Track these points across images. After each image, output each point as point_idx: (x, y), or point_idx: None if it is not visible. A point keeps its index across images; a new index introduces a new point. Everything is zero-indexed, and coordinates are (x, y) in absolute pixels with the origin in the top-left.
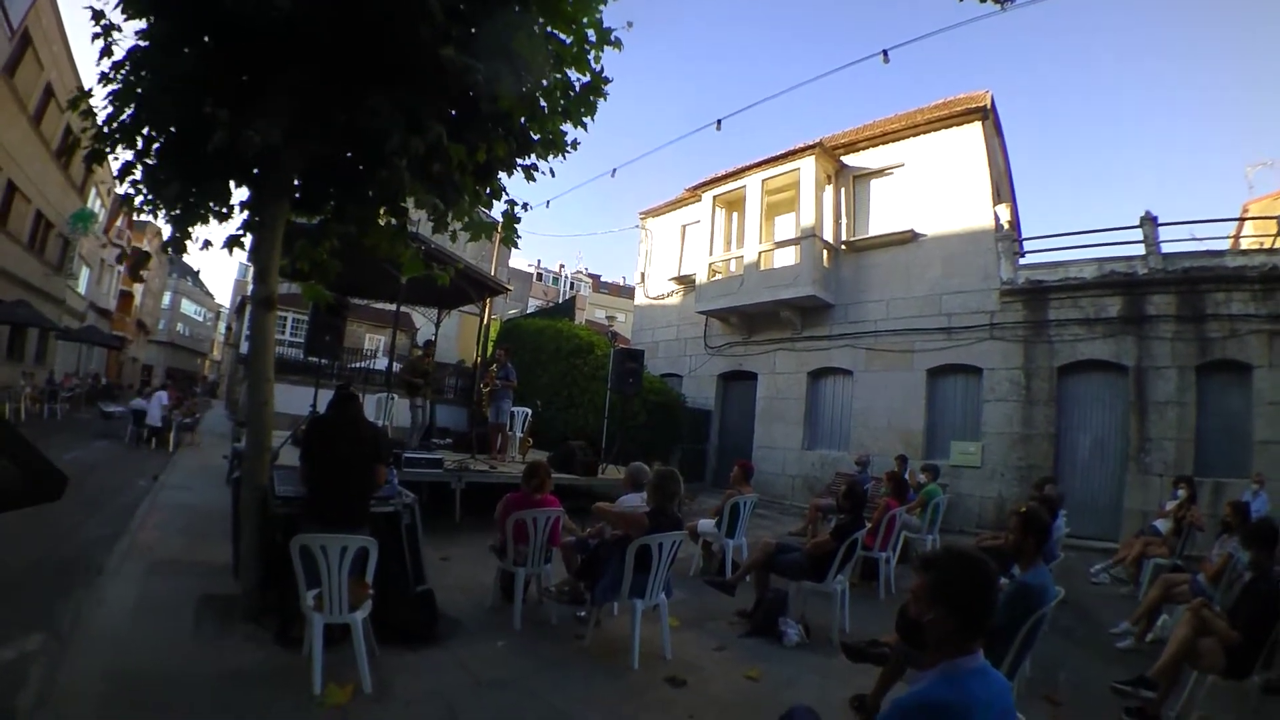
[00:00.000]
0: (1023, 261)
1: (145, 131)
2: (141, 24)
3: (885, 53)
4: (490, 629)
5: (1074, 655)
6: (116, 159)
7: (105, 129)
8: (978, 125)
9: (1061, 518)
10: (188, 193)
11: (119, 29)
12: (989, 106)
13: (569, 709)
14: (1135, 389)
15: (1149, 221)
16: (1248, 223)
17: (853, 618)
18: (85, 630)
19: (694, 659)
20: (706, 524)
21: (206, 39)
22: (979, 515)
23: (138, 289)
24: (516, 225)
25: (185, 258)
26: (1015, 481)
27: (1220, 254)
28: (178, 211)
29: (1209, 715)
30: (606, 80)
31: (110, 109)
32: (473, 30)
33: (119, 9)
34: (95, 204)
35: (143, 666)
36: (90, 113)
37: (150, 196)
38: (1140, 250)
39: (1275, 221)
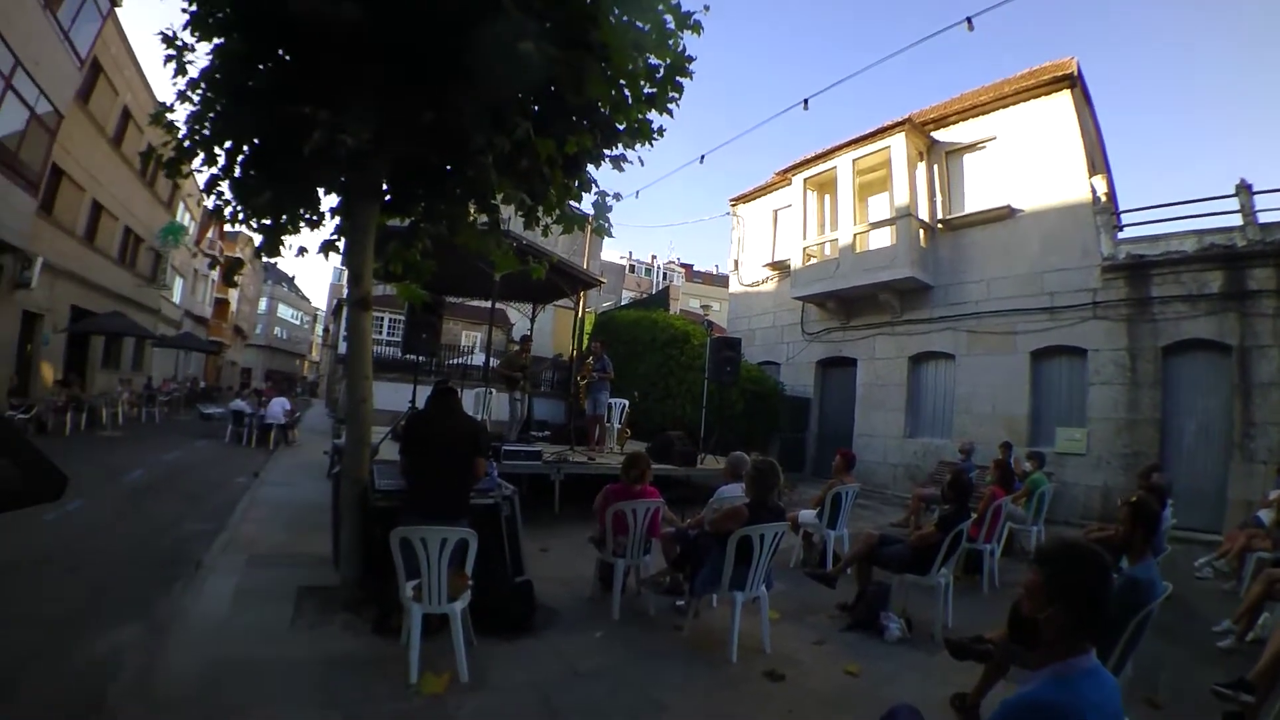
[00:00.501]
0: (1121, 236)
1: (227, 145)
2: (216, 41)
3: (969, 20)
4: (588, 620)
5: (1175, 654)
6: (201, 173)
7: (185, 143)
8: (1066, 94)
9: (1169, 508)
10: (278, 201)
11: (192, 49)
12: (1076, 73)
13: (665, 699)
14: (1239, 370)
15: (1244, 190)
16: None
17: (956, 613)
18: (183, 621)
19: (793, 652)
20: (807, 515)
21: (280, 51)
22: (1084, 505)
23: (233, 295)
24: (608, 214)
25: (280, 264)
26: (1121, 470)
27: None
28: (268, 221)
29: None
30: (690, 59)
31: (187, 126)
32: (548, 24)
33: (189, 30)
34: (184, 217)
35: (240, 655)
36: (172, 126)
37: (239, 208)
38: (1238, 220)
39: None
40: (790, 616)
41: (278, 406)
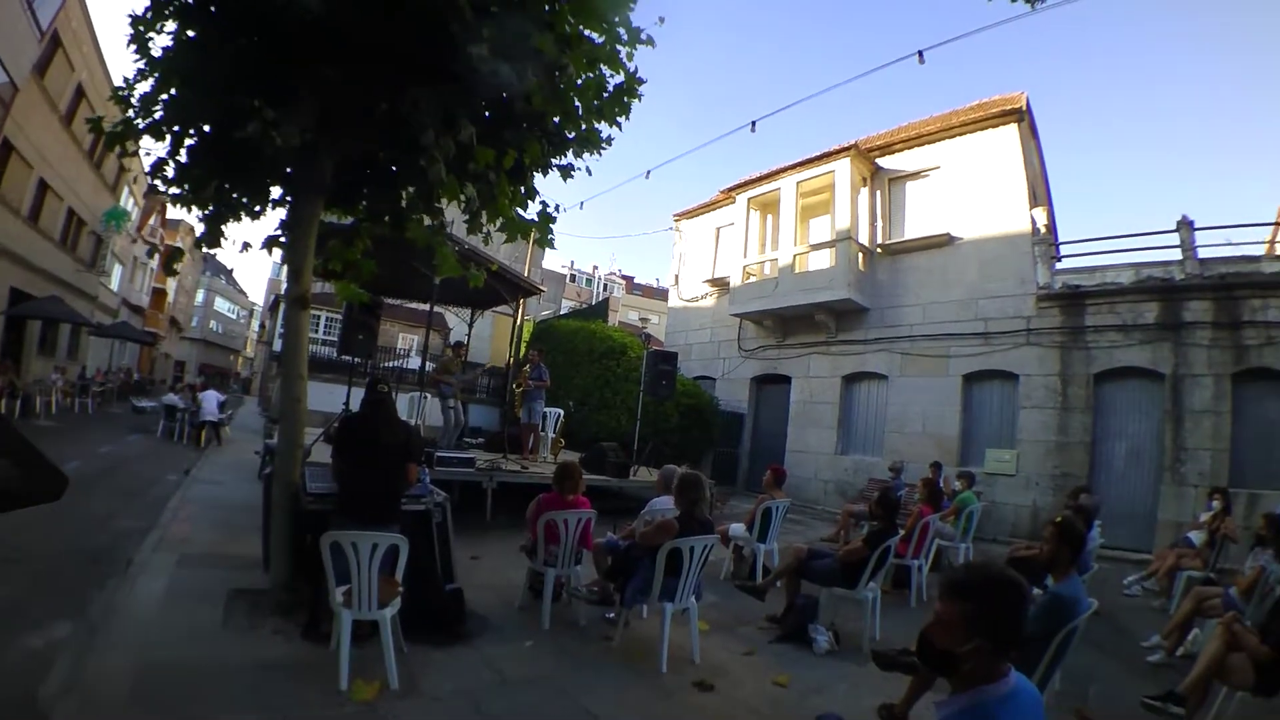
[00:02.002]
0: (1059, 266)
1: (176, 129)
2: (174, 26)
3: (920, 53)
4: (519, 628)
5: (1105, 668)
6: (149, 154)
7: (137, 123)
8: (1013, 127)
9: (1096, 528)
10: (222, 189)
11: (157, 30)
12: (1024, 108)
13: (597, 710)
14: (1171, 397)
15: (1185, 226)
16: None
17: (884, 625)
18: (114, 620)
19: (723, 663)
20: (738, 528)
21: (240, 40)
22: (1013, 524)
23: (171, 286)
24: (552, 226)
25: (219, 256)
26: (1050, 490)
27: (1257, 259)
28: (211, 209)
29: None
30: (640, 81)
31: (139, 106)
32: (503, 29)
33: (148, 14)
34: (128, 202)
35: (171, 657)
36: (127, 101)
37: (182, 192)
38: (1177, 255)
39: None
40: (720, 628)
41: (212, 400)
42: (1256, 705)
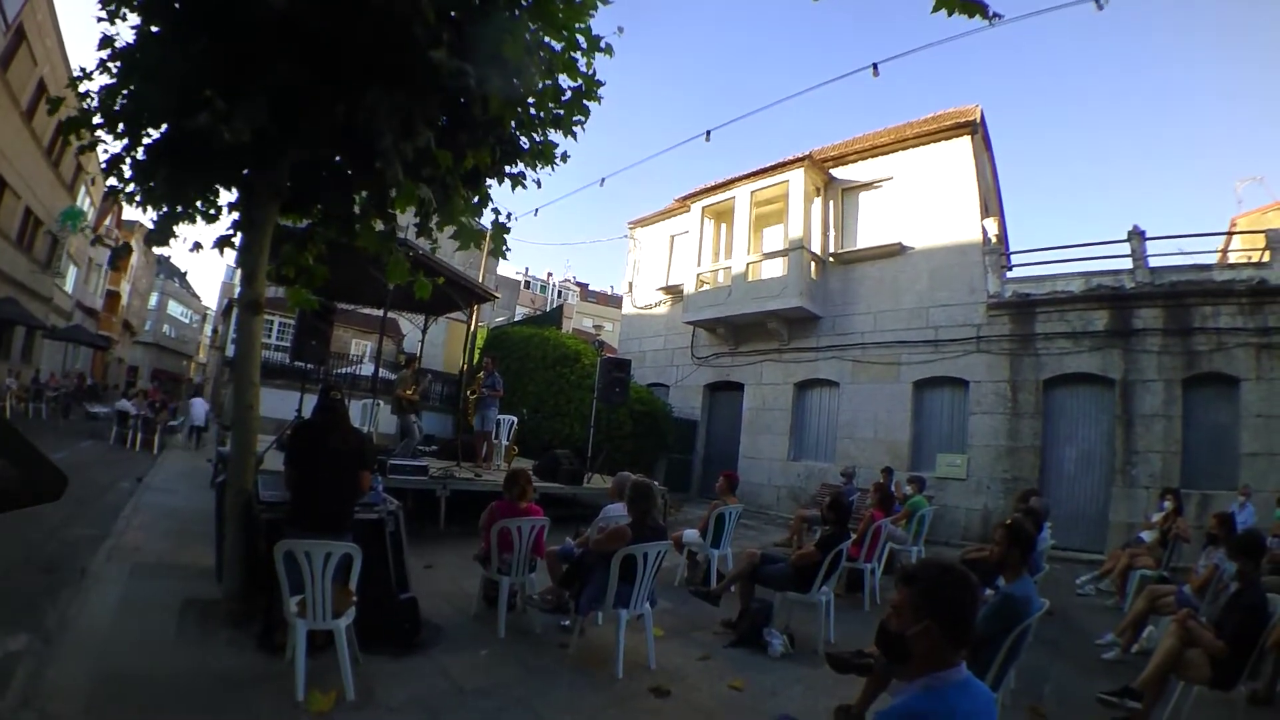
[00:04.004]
0: (1009, 275)
1: (134, 125)
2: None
3: (875, 66)
4: (474, 637)
5: (1059, 667)
6: (106, 151)
7: (95, 117)
8: (966, 140)
9: (1046, 530)
10: (177, 188)
11: (121, 18)
12: (978, 121)
13: (552, 717)
14: (1121, 402)
15: (1136, 236)
16: (1236, 237)
17: (838, 628)
18: (70, 632)
19: (679, 669)
20: (691, 534)
21: (202, 38)
22: (965, 527)
23: (124, 289)
24: (506, 236)
25: (173, 259)
26: (1001, 494)
27: (1208, 268)
28: (164, 210)
29: None
30: (599, 84)
31: (99, 99)
32: (464, 34)
33: (102, 8)
34: (84, 202)
35: (126, 669)
36: (86, 94)
37: (136, 190)
38: (1128, 264)
39: (1264, 236)
40: (676, 634)
41: (200, 407)
42: (1214, 699)
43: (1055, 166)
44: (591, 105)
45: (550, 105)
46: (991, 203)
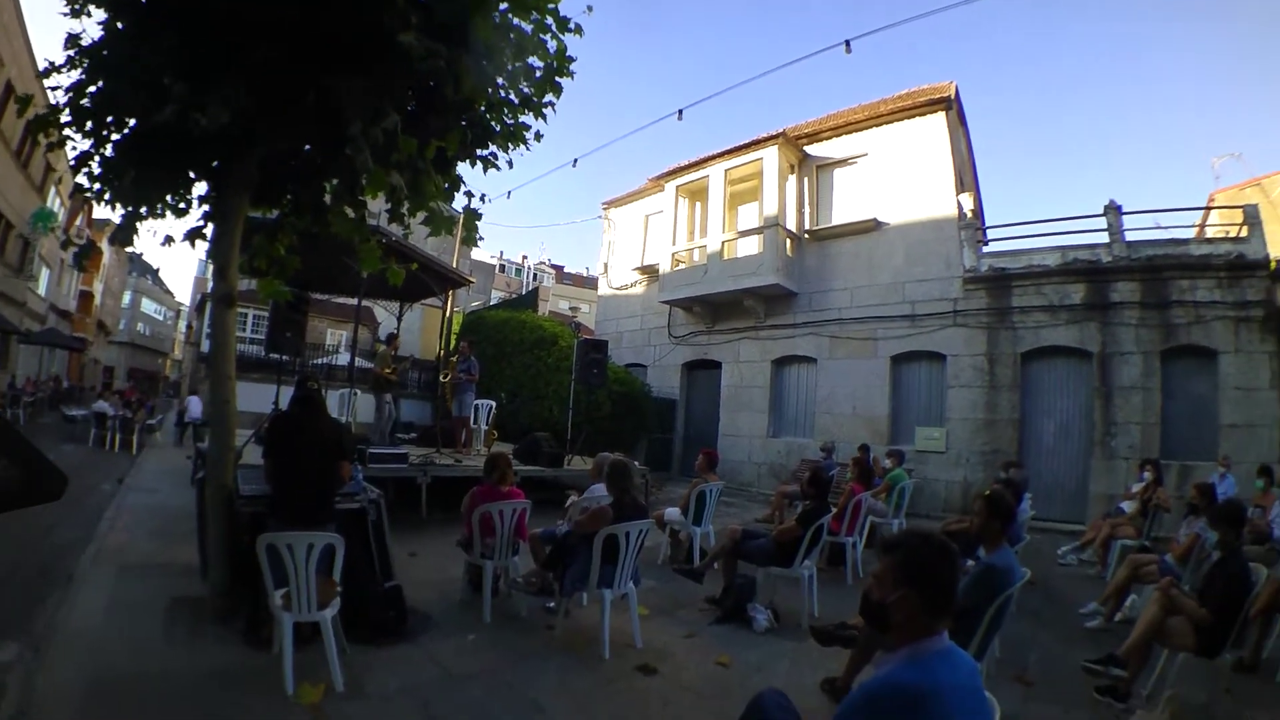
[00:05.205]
0: (986, 250)
1: (103, 121)
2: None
3: (847, 43)
4: (460, 623)
5: (1043, 636)
6: (75, 149)
7: (61, 111)
8: (941, 115)
9: (1026, 500)
10: (146, 184)
11: (88, 14)
12: (953, 97)
13: (541, 699)
14: (1100, 374)
15: (1113, 210)
16: (1213, 213)
17: (821, 602)
18: (59, 637)
19: (665, 647)
20: (673, 512)
21: (170, 34)
22: (945, 499)
23: (98, 288)
24: (477, 223)
25: (145, 256)
26: (980, 466)
27: (1185, 243)
28: (132, 208)
29: (1181, 693)
30: (571, 59)
31: (68, 96)
32: (433, 15)
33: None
34: (55, 203)
35: (117, 672)
36: (55, 89)
37: (105, 188)
38: (1104, 239)
39: (1241, 211)
40: (660, 612)
41: (196, 404)
42: (1200, 666)
43: (1032, 143)
44: (565, 82)
45: (522, 85)
46: (967, 178)
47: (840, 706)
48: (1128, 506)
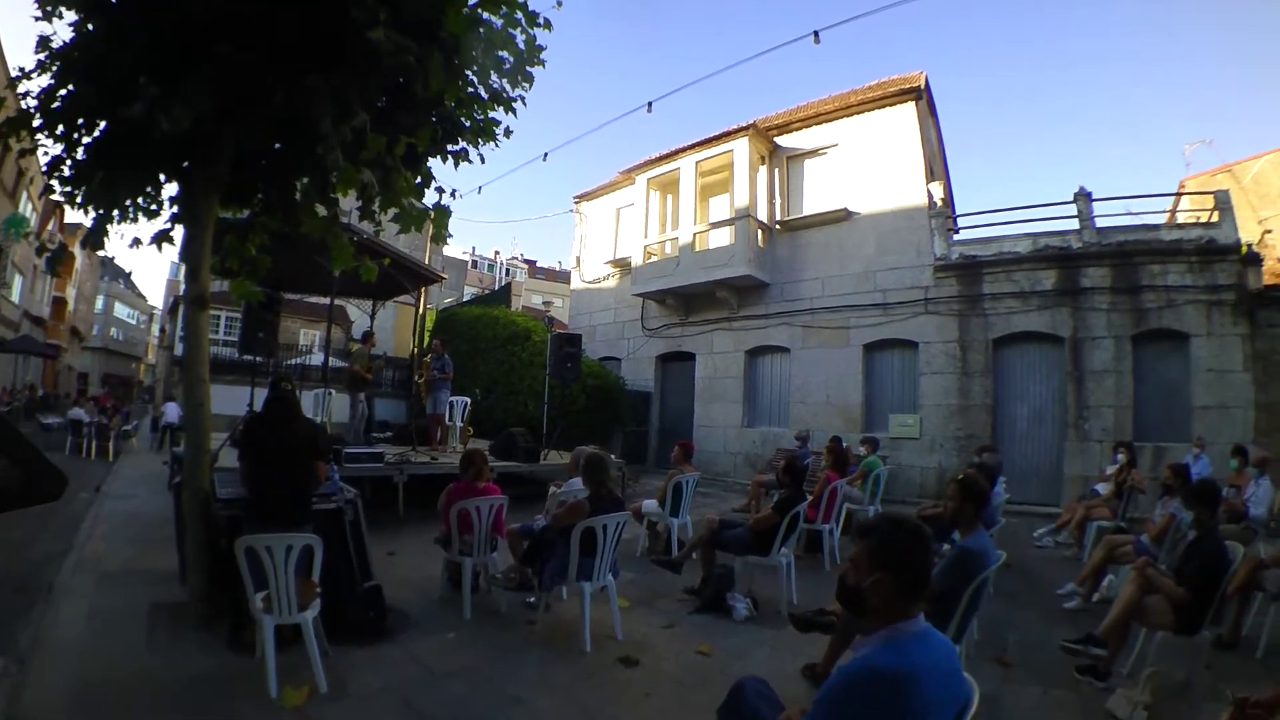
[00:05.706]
0: (956, 238)
1: (74, 124)
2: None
3: (816, 34)
4: (440, 621)
5: (1021, 618)
6: (46, 154)
7: (33, 116)
8: (911, 105)
9: (1000, 484)
10: (115, 186)
11: (59, 16)
12: (923, 87)
13: (524, 695)
14: (1072, 359)
15: (1083, 197)
16: (1184, 199)
17: (799, 589)
18: (43, 648)
19: (645, 638)
20: (650, 504)
21: (141, 35)
22: (920, 485)
23: (71, 294)
24: (447, 220)
25: (117, 260)
26: (955, 452)
27: (1155, 228)
28: (103, 210)
29: (1161, 670)
30: (541, 48)
31: (38, 100)
32: (401, 11)
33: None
34: (27, 209)
35: (102, 681)
36: (26, 95)
37: (76, 191)
38: (1074, 225)
39: (1212, 197)
40: (640, 603)
41: (173, 410)
42: (1179, 644)
43: (1001, 132)
44: (535, 72)
45: (492, 79)
46: (937, 167)
47: (819, 691)
48: (1102, 488)
